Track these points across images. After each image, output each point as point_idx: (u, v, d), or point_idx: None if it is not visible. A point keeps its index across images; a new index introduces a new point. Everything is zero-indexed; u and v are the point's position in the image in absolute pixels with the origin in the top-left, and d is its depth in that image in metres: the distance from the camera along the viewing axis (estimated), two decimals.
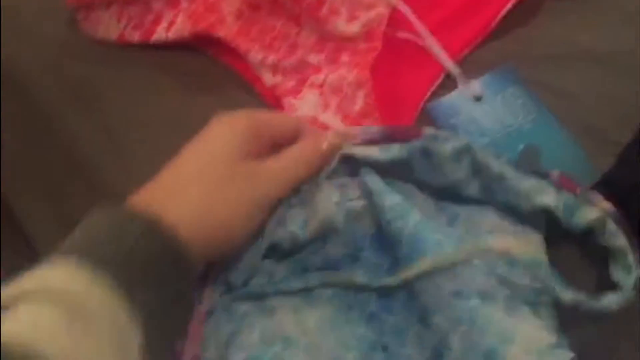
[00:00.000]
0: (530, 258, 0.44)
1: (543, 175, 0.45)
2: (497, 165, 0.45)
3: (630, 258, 0.44)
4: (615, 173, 0.49)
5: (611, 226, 0.45)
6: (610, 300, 0.43)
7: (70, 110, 0.57)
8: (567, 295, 0.44)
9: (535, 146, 0.52)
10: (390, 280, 0.44)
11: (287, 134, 0.45)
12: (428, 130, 0.45)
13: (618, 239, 0.45)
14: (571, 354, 0.42)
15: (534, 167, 0.46)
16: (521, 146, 0.52)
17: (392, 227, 0.43)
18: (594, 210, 0.44)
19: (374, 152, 0.45)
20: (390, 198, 0.44)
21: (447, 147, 0.44)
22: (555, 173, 0.45)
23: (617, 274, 0.45)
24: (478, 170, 0.45)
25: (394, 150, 0.45)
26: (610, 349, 0.46)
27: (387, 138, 0.45)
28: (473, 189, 0.46)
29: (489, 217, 0.46)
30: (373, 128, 0.46)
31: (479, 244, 0.44)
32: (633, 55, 0.55)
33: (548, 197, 0.44)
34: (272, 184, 0.43)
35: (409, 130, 0.46)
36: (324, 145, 0.44)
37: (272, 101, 0.55)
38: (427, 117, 0.54)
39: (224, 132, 0.43)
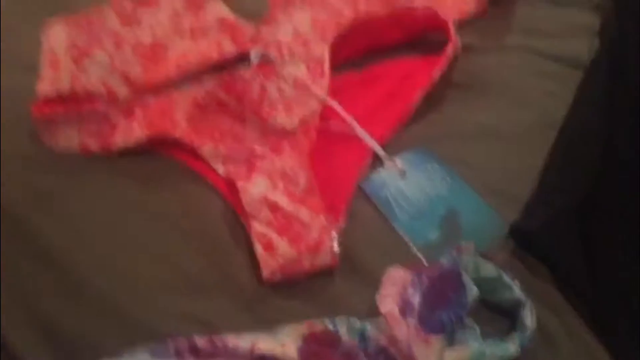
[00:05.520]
0: None
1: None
2: None
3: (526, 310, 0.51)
4: (520, 223, 0.58)
5: (506, 279, 0.52)
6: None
7: (38, 214, 0.61)
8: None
9: (454, 210, 0.61)
10: None
11: None
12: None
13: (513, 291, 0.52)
14: None
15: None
16: (443, 210, 0.61)
17: None
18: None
19: None
20: None
21: None
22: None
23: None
24: None
25: None
26: None
27: None
28: None
29: None
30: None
31: None
32: (530, 132, 0.65)
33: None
34: None
35: None
36: None
37: (226, 190, 0.62)
38: (361, 194, 0.62)
39: None
